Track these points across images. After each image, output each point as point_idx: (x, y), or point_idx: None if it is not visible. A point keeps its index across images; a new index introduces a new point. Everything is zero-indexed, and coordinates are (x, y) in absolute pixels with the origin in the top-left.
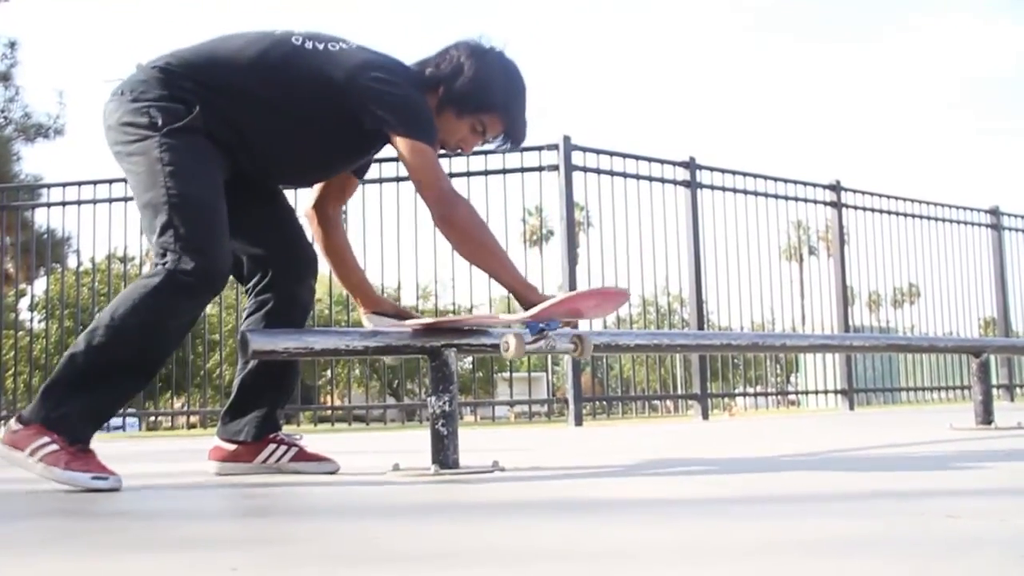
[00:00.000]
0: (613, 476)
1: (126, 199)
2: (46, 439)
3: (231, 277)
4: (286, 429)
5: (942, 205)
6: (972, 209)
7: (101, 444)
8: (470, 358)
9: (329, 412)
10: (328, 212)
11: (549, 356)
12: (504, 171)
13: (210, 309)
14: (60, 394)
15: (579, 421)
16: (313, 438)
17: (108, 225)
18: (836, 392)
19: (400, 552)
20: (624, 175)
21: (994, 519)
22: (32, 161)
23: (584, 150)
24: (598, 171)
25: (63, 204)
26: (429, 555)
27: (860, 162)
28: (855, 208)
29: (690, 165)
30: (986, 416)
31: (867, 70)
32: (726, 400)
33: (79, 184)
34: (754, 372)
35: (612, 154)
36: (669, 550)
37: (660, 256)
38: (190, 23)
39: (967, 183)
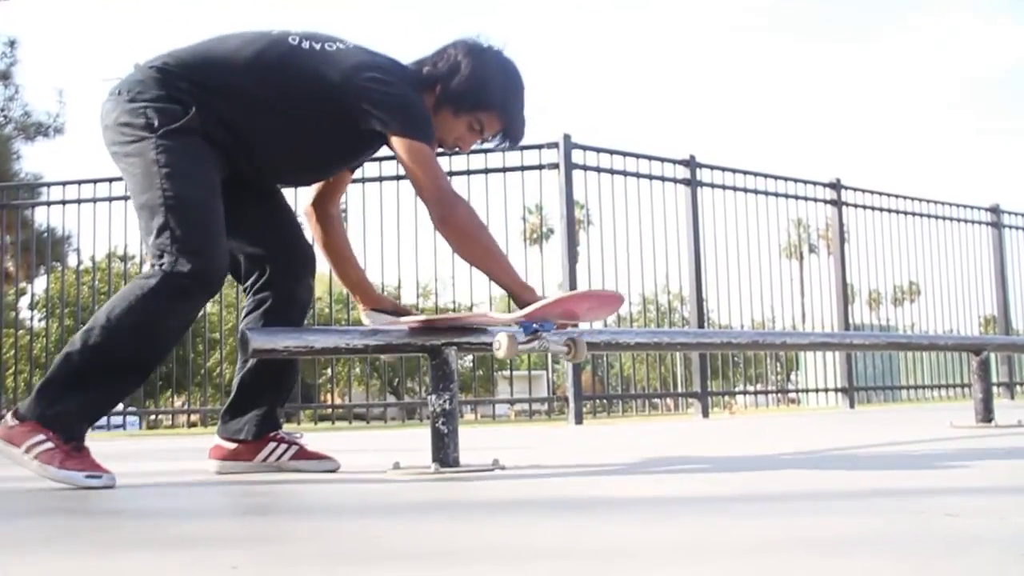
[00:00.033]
0: (613, 474)
1: (126, 198)
2: (41, 437)
3: (229, 276)
4: (286, 427)
5: (942, 203)
6: (972, 207)
7: (102, 442)
8: (470, 356)
9: (329, 410)
10: (327, 209)
11: (549, 354)
12: (504, 169)
13: (210, 307)
14: (55, 392)
15: (579, 419)
16: (313, 436)
17: (108, 223)
18: (836, 390)
19: (400, 550)
20: (624, 173)
21: (994, 517)
22: (32, 160)
23: (584, 148)
24: (598, 169)
25: (63, 203)
26: (429, 553)
27: (860, 161)
28: (855, 206)
29: (690, 163)
30: (986, 414)
31: (867, 70)
32: (726, 398)
33: (79, 183)
34: (754, 370)
35: (612, 152)
36: (669, 548)
37: (660, 254)
38: (190, 22)
39: (967, 182)
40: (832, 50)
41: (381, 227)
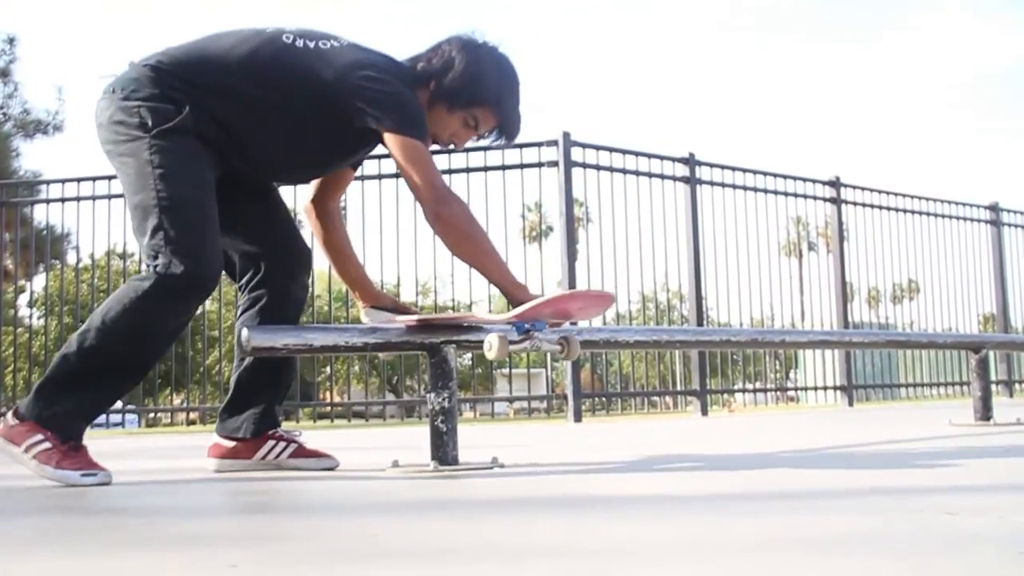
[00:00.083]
0: (612, 472)
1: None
2: (39, 437)
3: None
4: (285, 425)
5: (941, 201)
6: (971, 205)
7: (101, 440)
8: (469, 354)
9: (328, 408)
10: (327, 206)
11: (545, 353)
12: (503, 167)
13: (210, 305)
14: (53, 393)
15: (578, 417)
16: (312, 434)
17: (108, 221)
18: (835, 388)
19: (399, 549)
20: (624, 171)
21: (992, 516)
22: (31, 157)
23: (584, 146)
24: (597, 167)
25: (62, 200)
26: (428, 552)
27: (860, 159)
28: (854, 204)
29: (690, 161)
30: (985, 412)
31: (867, 69)
32: (725, 396)
33: (78, 180)
34: (753, 368)
35: (612, 150)
36: (668, 547)
37: (660, 252)
38: (189, 19)
39: (966, 180)
40: (832, 49)
41: (380, 225)
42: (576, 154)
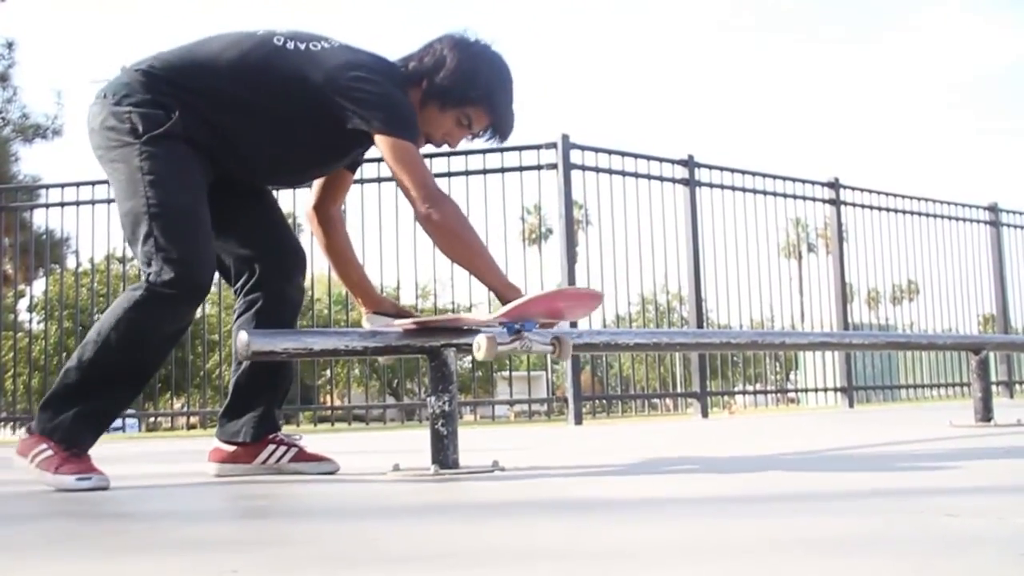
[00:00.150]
0: (613, 475)
1: None
2: (43, 446)
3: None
4: (286, 429)
5: (941, 202)
6: (971, 206)
7: (101, 445)
8: (469, 357)
9: (329, 412)
10: (329, 212)
11: (535, 354)
12: (503, 170)
13: (210, 309)
14: (56, 406)
15: (579, 420)
16: (313, 438)
17: (107, 225)
18: (835, 390)
19: (400, 553)
20: (623, 173)
21: (993, 517)
22: (30, 162)
23: (583, 148)
24: (597, 169)
25: (62, 205)
26: (429, 556)
27: (859, 160)
28: (854, 205)
29: (689, 163)
30: (985, 413)
31: (867, 70)
32: (726, 398)
33: (77, 185)
34: (753, 370)
35: (611, 152)
36: (669, 549)
37: (659, 254)
38: (188, 23)
39: (965, 180)
40: (831, 50)
41: (380, 228)
42: (575, 156)
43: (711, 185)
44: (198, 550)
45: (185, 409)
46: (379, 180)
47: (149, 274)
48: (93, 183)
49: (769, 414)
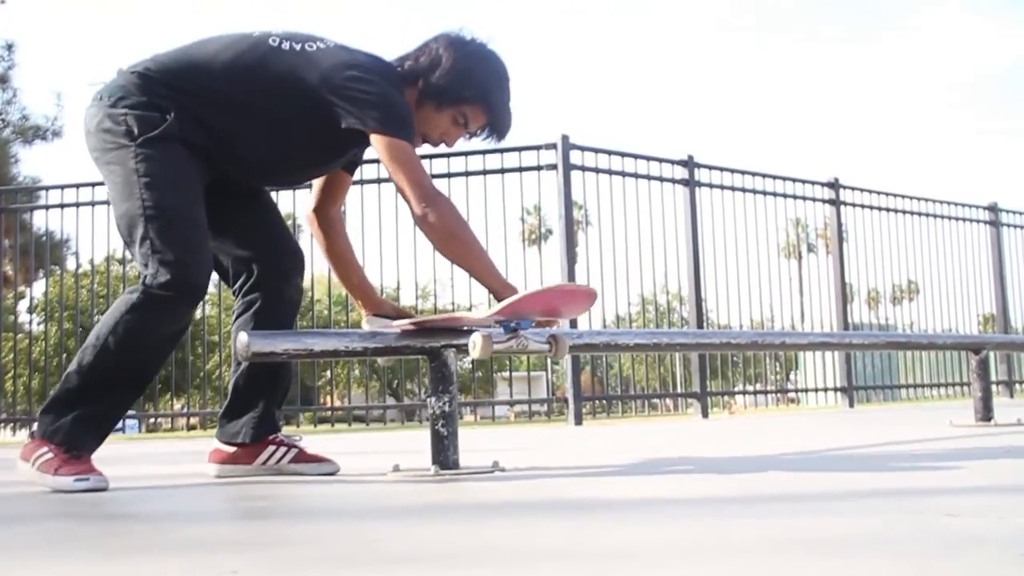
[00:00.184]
0: (613, 475)
1: None
2: (44, 449)
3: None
4: (286, 430)
5: (940, 202)
6: (970, 206)
7: (102, 446)
8: (469, 358)
9: (329, 413)
10: (329, 214)
11: (546, 354)
12: (503, 171)
13: (210, 310)
14: (57, 410)
15: (579, 420)
16: (313, 439)
17: (107, 227)
18: (836, 390)
19: (401, 554)
20: (623, 174)
21: (993, 517)
22: (30, 163)
23: (582, 149)
24: (596, 170)
25: (62, 206)
26: (430, 556)
27: (859, 160)
28: (853, 205)
29: (689, 163)
30: (986, 413)
31: (867, 70)
32: (726, 398)
33: (77, 186)
34: (754, 370)
35: (610, 153)
36: (669, 549)
37: (659, 254)
38: (187, 25)
39: (966, 181)
40: (831, 50)
41: (380, 229)
42: (575, 157)
43: (711, 185)
44: (198, 551)
45: (185, 410)
46: (379, 181)
47: (145, 276)
48: (93, 184)
49: (769, 414)
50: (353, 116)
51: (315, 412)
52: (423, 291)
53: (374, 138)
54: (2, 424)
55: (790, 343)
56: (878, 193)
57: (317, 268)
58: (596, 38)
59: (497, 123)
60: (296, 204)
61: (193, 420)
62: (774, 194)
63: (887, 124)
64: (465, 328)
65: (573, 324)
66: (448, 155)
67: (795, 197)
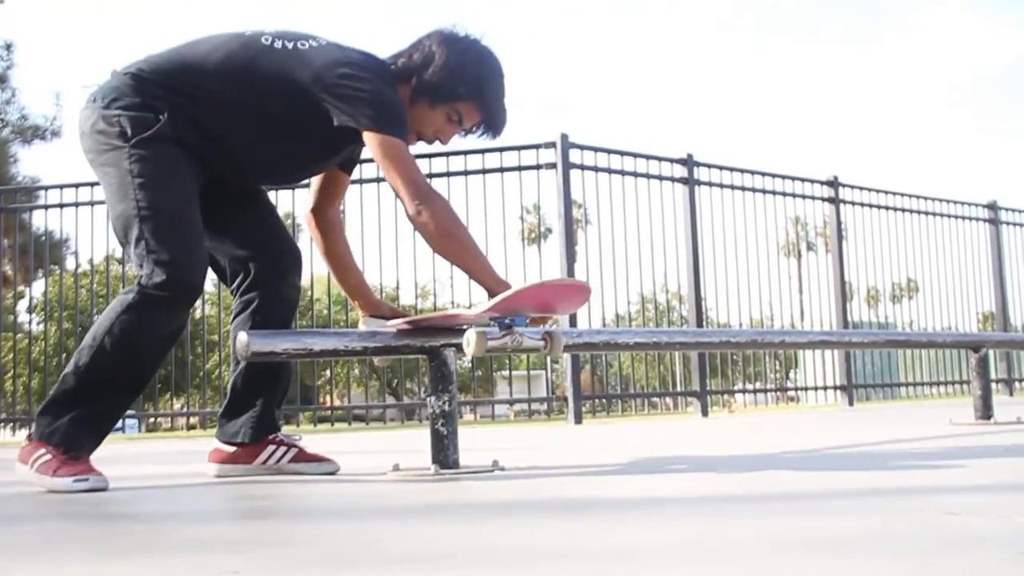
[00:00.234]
0: (613, 474)
1: None
2: (42, 451)
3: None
4: (286, 429)
5: (940, 200)
6: (970, 204)
7: (101, 446)
8: (469, 356)
9: (329, 412)
10: (327, 214)
11: (542, 351)
12: (502, 170)
13: (209, 310)
14: (54, 411)
15: (579, 419)
16: (313, 438)
17: (106, 227)
18: (835, 388)
19: (401, 553)
20: (622, 172)
21: (994, 516)
22: (29, 163)
23: (582, 148)
24: (596, 169)
25: (61, 206)
26: (430, 556)
27: (859, 160)
28: (853, 204)
29: (688, 162)
30: (985, 411)
31: (867, 70)
32: (725, 397)
33: (76, 186)
34: (753, 369)
35: (610, 151)
36: (669, 549)
37: (658, 253)
38: (186, 26)
39: (966, 181)
40: (831, 50)
41: (379, 228)
42: (574, 156)
43: (710, 184)
44: (199, 551)
45: (185, 409)
46: (379, 180)
47: (141, 277)
48: (92, 184)
49: (769, 412)
50: (346, 114)
51: (315, 411)
52: (423, 290)
53: (367, 136)
54: (2, 424)
55: (790, 342)
56: (878, 191)
57: (317, 268)
58: (596, 38)
59: (491, 120)
60: (296, 204)
61: (193, 420)
62: (774, 192)
63: (887, 123)
64: (460, 327)
65: (573, 323)
66: (447, 154)
67: (795, 196)
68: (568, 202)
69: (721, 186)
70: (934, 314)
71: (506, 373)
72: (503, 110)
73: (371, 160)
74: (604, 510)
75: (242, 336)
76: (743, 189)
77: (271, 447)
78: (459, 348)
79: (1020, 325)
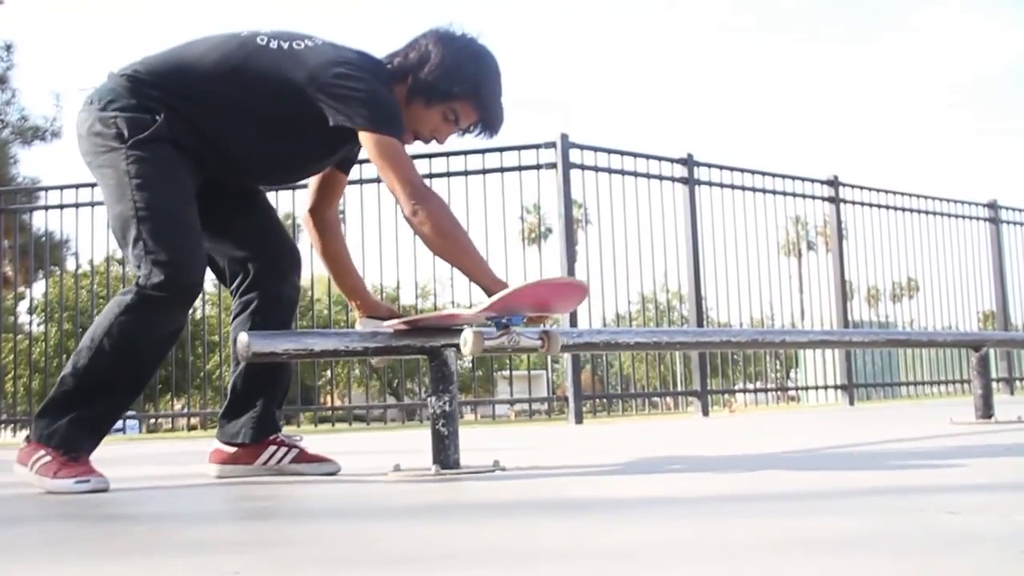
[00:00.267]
0: (614, 474)
1: None
2: (42, 452)
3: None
4: (286, 430)
5: (940, 199)
6: (970, 203)
7: (101, 446)
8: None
9: (329, 412)
10: (325, 215)
11: (539, 351)
12: (502, 170)
13: (210, 310)
14: (52, 413)
15: (579, 419)
16: (313, 439)
17: (106, 228)
18: (836, 387)
19: (402, 554)
20: (622, 172)
21: (994, 515)
22: (29, 164)
23: (582, 148)
24: (596, 168)
25: (61, 207)
26: (431, 556)
27: (859, 159)
28: (853, 203)
29: (688, 162)
30: (986, 410)
31: (867, 69)
32: (726, 396)
33: (77, 187)
34: (754, 368)
35: (610, 151)
36: (670, 549)
37: (659, 253)
38: (186, 26)
39: (966, 180)
40: (832, 49)
41: (379, 228)
42: (574, 156)
43: (710, 184)
44: (200, 552)
45: (185, 410)
46: (378, 180)
47: (139, 277)
48: (92, 185)
49: (770, 412)
50: (341, 114)
51: (315, 412)
52: (423, 290)
53: (363, 135)
54: (2, 425)
55: (790, 341)
56: (878, 191)
57: (317, 268)
58: (596, 38)
59: (488, 119)
60: (296, 204)
61: (193, 420)
62: (774, 192)
63: (887, 123)
64: (458, 327)
65: (573, 323)
66: (447, 154)
67: (795, 195)
68: (568, 202)
69: (721, 186)
70: (935, 313)
71: (507, 373)
72: (500, 109)
73: (369, 161)
74: (604, 510)
75: (243, 337)
76: (743, 189)
77: (272, 448)
78: (459, 348)
79: (1021, 324)
